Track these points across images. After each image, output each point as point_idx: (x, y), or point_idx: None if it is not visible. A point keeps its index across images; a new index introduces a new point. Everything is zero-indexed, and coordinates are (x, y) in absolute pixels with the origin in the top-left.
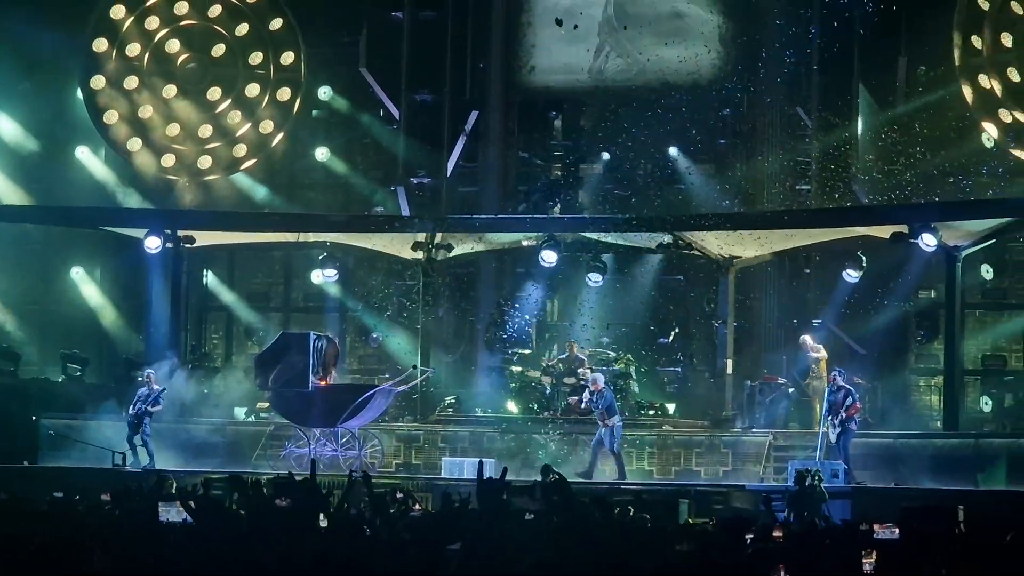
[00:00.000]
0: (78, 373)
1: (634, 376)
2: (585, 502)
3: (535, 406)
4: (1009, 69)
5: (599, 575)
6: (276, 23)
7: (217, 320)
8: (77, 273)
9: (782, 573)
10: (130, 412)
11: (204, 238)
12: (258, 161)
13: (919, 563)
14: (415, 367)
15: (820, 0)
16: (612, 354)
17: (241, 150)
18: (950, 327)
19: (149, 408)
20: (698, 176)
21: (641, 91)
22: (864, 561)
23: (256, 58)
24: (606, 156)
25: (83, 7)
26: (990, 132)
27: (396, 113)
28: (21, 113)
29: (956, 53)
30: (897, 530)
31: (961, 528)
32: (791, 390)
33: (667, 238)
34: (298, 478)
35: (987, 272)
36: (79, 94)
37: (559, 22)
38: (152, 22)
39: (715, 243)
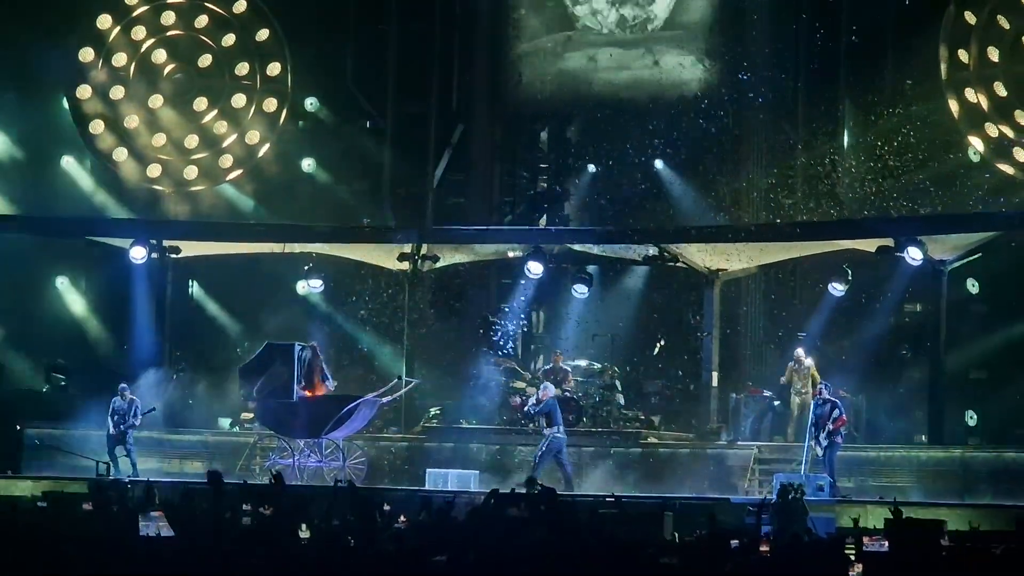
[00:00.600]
0: (62, 383)
1: (619, 388)
2: (572, 514)
3: (520, 417)
4: (995, 83)
5: None
6: (262, 34)
7: (201, 331)
8: (62, 283)
9: None
10: (110, 426)
11: (189, 248)
12: (244, 172)
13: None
14: (400, 378)
15: (807, 15)
16: (597, 366)
17: (227, 160)
18: (935, 341)
19: (134, 422)
20: (684, 189)
21: (627, 104)
22: (850, 572)
23: (242, 69)
24: (592, 169)
25: (70, 17)
26: (976, 146)
27: (383, 125)
28: (6, 122)
29: (943, 67)
30: (886, 543)
31: (946, 541)
32: (776, 403)
33: (653, 250)
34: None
35: (973, 286)
36: (65, 104)
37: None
38: (139, 32)
39: (701, 256)
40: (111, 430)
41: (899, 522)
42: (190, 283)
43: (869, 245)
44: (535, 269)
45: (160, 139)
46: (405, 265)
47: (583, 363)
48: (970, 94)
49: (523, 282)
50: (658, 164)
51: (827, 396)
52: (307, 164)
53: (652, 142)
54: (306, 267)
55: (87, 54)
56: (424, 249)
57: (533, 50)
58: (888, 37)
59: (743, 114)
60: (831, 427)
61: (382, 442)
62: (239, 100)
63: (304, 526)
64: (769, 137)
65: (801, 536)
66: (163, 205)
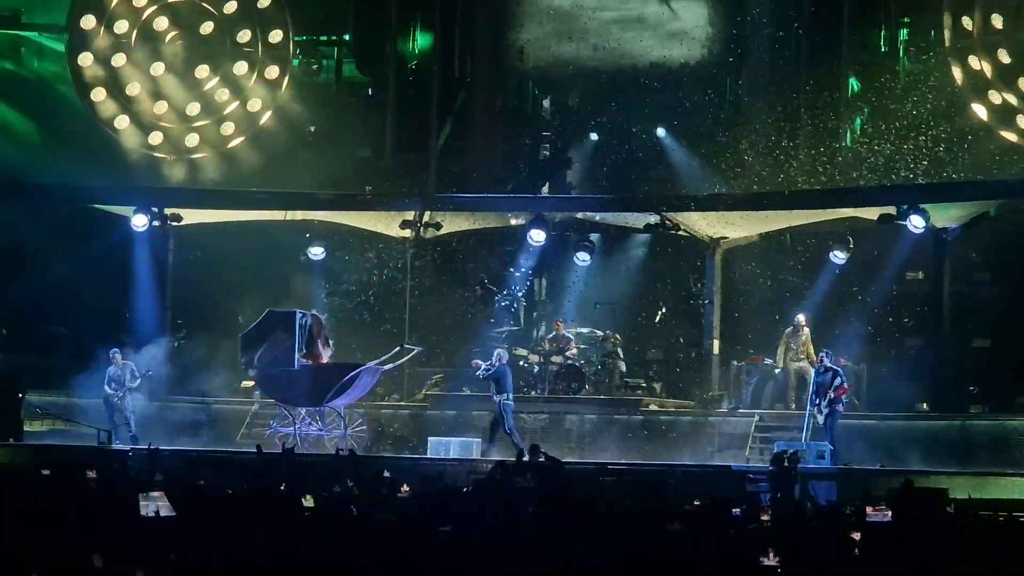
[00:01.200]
0: (64, 351)
1: (621, 355)
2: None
3: (523, 385)
4: (999, 50)
5: (591, 555)
6: (264, 1)
7: (203, 298)
8: (64, 251)
9: (771, 555)
10: (108, 393)
11: (191, 216)
12: (245, 139)
13: (909, 545)
14: (402, 346)
15: None
16: (599, 333)
17: (229, 128)
18: (937, 309)
19: (131, 385)
20: (686, 157)
21: (629, 72)
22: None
23: (244, 36)
24: (594, 136)
25: None
26: (979, 113)
27: (384, 92)
28: (7, 91)
29: (946, 34)
30: (890, 513)
31: (951, 510)
32: (777, 370)
33: (654, 218)
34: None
35: (975, 254)
36: (66, 71)
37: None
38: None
39: (702, 224)
40: (110, 397)
41: (903, 491)
42: (191, 251)
43: (871, 213)
44: (537, 237)
45: (162, 107)
46: (407, 232)
47: (585, 330)
48: (974, 61)
49: (525, 249)
50: (660, 131)
51: (828, 364)
52: (308, 131)
53: (654, 110)
54: (308, 235)
55: (88, 21)
56: (426, 216)
57: (536, 16)
58: (892, 3)
59: (745, 81)
60: (832, 395)
61: (384, 410)
62: (240, 67)
63: (308, 496)
64: (771, 105)
65: (803, 504)
66: (165, 173)
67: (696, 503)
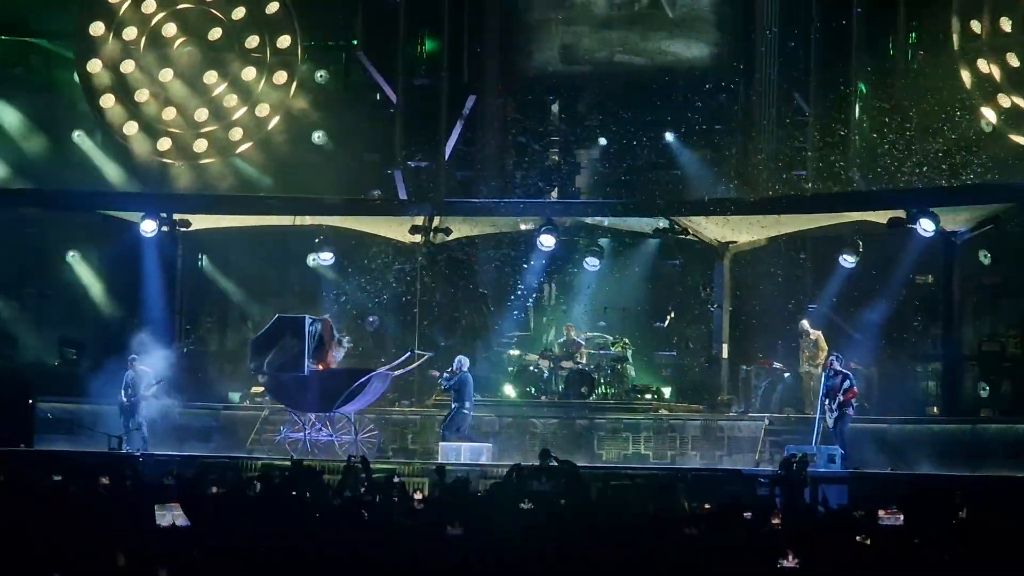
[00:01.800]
0: (74, 357)
1: (630, 360)
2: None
3: (532, 390)
4: (1008, 54)
5: (606, 558)
6: (272, 7)
7: (212, 304)
8: (73, 257)
9: (791, 557)
10: (121, 398)
11: (200, 222)
12: (254, 144)
13: (921, 548)
14: (412, 351)
15: None
16: (609, 338)
17: (237, 133)
18: (948, 313)
19: (145, 393)
20: (694, 161)
21: (638, 77)
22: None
23: (252, 42)
24: (603, 141)
25: None
26: (989, 117)
27: (393, 97)
28: (16, 97)
29: (955, 38)
30: (902, 516)
31: (962, 514)
32: (787, 374)
33: (664, 223)
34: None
35: (985, 257)
36: (75, 78)
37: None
38: (149, 6)
39: (711, 228)
40: (124, 402)
41: (914, 495)
42: (200, 256)
43: (880, 217)
44: (547, 242)
45: (170, 112)
46: (417, 238)
47: (595, 335)
48: (983, 64)
49: (535, 254)
50: (669, 136)
51: (838, 368)
52: (317, 136)
53: (663, 114)
54: (317, 240)
55: (97, 28)
56: (436, 222)
57: (544, 21)
58: (900, 8)
59: (753, 85)
60: (842, 399)
61: (394, 415)
62: (249, 73)
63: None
64: (780, 108)
65: (814, 508)
66: (173, 178)
67: (707, 507)
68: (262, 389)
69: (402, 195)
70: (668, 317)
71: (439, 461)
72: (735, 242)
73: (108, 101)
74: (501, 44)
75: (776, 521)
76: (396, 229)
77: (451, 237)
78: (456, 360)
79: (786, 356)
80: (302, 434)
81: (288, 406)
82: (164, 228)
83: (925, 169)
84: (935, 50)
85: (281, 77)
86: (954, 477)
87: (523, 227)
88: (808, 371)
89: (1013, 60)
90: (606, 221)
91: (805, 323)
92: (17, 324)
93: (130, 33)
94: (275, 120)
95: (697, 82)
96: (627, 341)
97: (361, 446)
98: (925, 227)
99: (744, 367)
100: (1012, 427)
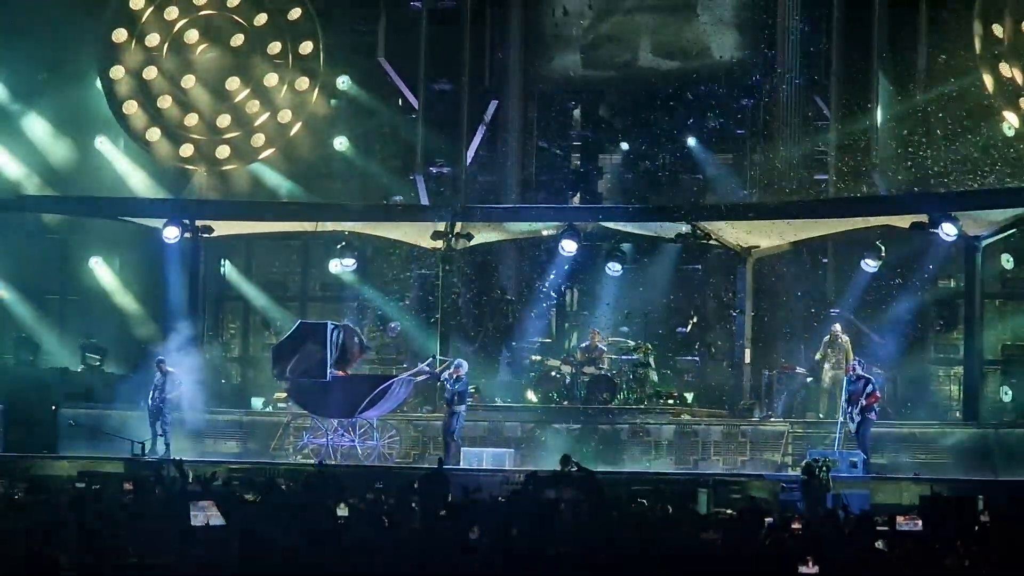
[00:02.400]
0: (97, 363)
1: (652, 365)
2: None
3: (555, 395)
4: None
5: (626, 563)
6: (295, 13)
7: (235, 310)
8: (96, 263)
9: (811, 564)
10: (149, 402)
11: (222, 228)
12: (276, 150)
13: (941, 554)
14: (434, 357)
15: None
16: (631, 343)
17: (259, 140)
18: (970, 317)
19: (168, 396)
20: (716, 166)
21: (660, 81)
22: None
23: (274, 48)
24: (625, 146)
25: None
26: (1011, 121)
27: (415, 102)
28: (39, 103)
29: (977, 41)
30: (920, 522)
31: (984, 519)
32: (808, 379)
33: (685, 228)
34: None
35: (1008, 261)
36: (98, 84)
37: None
38: (171, 12)
39: (733, 233)
40: (152, 406)
41: (934, 500)
42: (222, 262)
43: (903, 221)
44: (569, 247)
45: (193, 118)
46: (439, 243)
47: (617, 340)
48: (1004, 68)
49: (557, 260)
50: (690, 141)
51: (860, 372)
52: (339, 142)
53: (685, 119)
54: (339, 246)
55: (120, 35)
56: (458, 227)
57: (566, 27)
58: (922, 11)
59: (775, 90)
60: (864, 403)
61: (416, 421)
62: (271, 79)
63: (342, 504)
64: (802, 113)
65: (836, 513)
66: (196, 185)
67: (729, 512)
68: (285, 395)
69: (424, 200)
70: (690, 322)
71: (461, 467)
72: (757, 247)
73: (131, 107)
74: (523, 49)
75: (797, 526)
76: (418, 235)
77: (473, 242)
78: (456, 363)
79: (808, 361)
80: (325, 440)
81: (311, 412)
82: (187, 234)
83: (947, 173)
84: (957, 54)
85: (303, 83)
86: (976, 482)
87: (545, 232)
88: (834, 375)
89: None
90: (628, 226)
91: (837, 327)
92: (40, 330)
93: (153, 40)
94: (297, 126)
95: (719, 86)
96: (649, 346)
97: (383, 451)
98: (947, 231)
99: (766, 372)
100: None
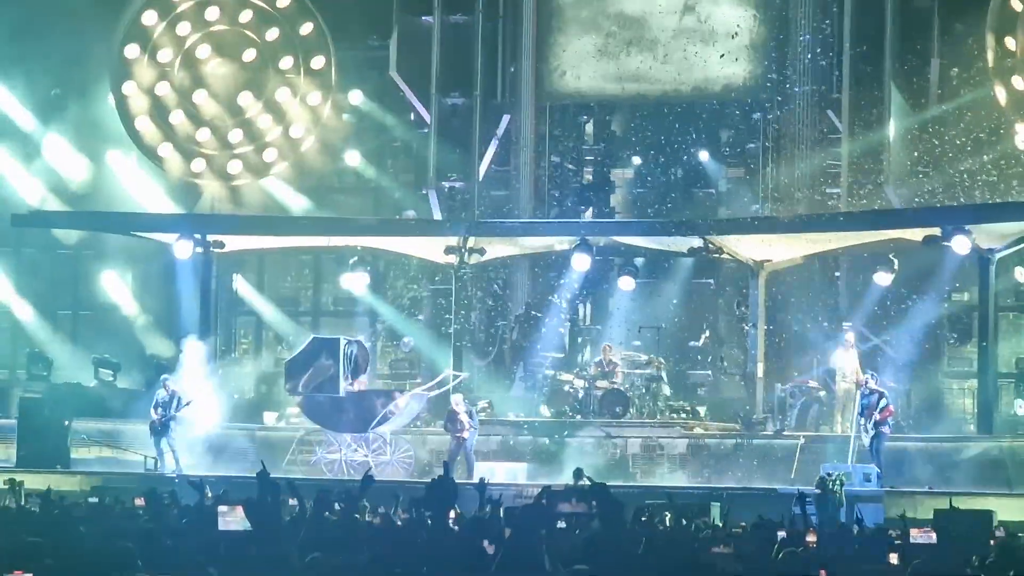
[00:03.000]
0: (110, 378)
1: (665, 379)
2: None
3: (568, 409)
4: None
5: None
6: (306, 28)
7: (247, 325)
8: (109, 278)
9: None
10: (153, 418)
11: (234, 243)
12: (288, 166)
13: (955, 568)
14: (447, 371)
15: (851, 3)
16: (644, 357)
17: (271, 154)
18: (983, 330)
19: (175, 413)
20: (729, 180)
21: (672, 96)
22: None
23: (286, 63)
24: (637, 160)
25: (115, 13)
26: (1023, 134)
27: (427, 117)
28: (52, 118)
29: (989, 55)
30: (934, 535)
31: (999, 532)
32: (821, 393)
33: (698, 242)
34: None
35: (1021, 274)
36: (111, 100)
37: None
38: (183, 28)
39: (746, 247)
40: (155, 423)
41: (948, 513)
42: (234, 277)
43: (915, 235)
44: (582, 262)
45: (204, 134)
46: (452, 258)
47: (630, 354)
48: (1017, 82)
49: (569, 274)
50: (703, 155)
51: (874, 386)
52: (351, 157)
53: (697, 133)
54: (351, 260)
55: (132, 50)
56: (471, 242)
57: (578, 42)
58: (934, 25)
59: (787, 105)
60: (878, 417)
61: (430, 436)
62: (283, 94)
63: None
64: (814, 126)
65: (850, 526)
66: (208, 200)
67: (742, 525)
68: (297, 410)
69: (436, 215)
70: (703, 336)
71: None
72: (770, 260)
73: (143, 123)
74: (535, 63)
75: (811, 539)
76: (430, 249)
77: (485, 257)
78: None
79: (821, 374)
80: (338, 455)
81: (324, 427)
82: (198, 249)
83: (960, 186)
84: (969, 67)
85: (315, 98)
86: (990, 495)
87: (558, 247)
88: (847, 388)
89: None
90: (641, 240)
91: (850, 336)
92: (53, 345)
93: (165, 55)
94: (309, 141)
95: (731, 101)
96: (662, 360)
97: (397, 466)
98: (960, 244)
99: (779, 385)
100: None
